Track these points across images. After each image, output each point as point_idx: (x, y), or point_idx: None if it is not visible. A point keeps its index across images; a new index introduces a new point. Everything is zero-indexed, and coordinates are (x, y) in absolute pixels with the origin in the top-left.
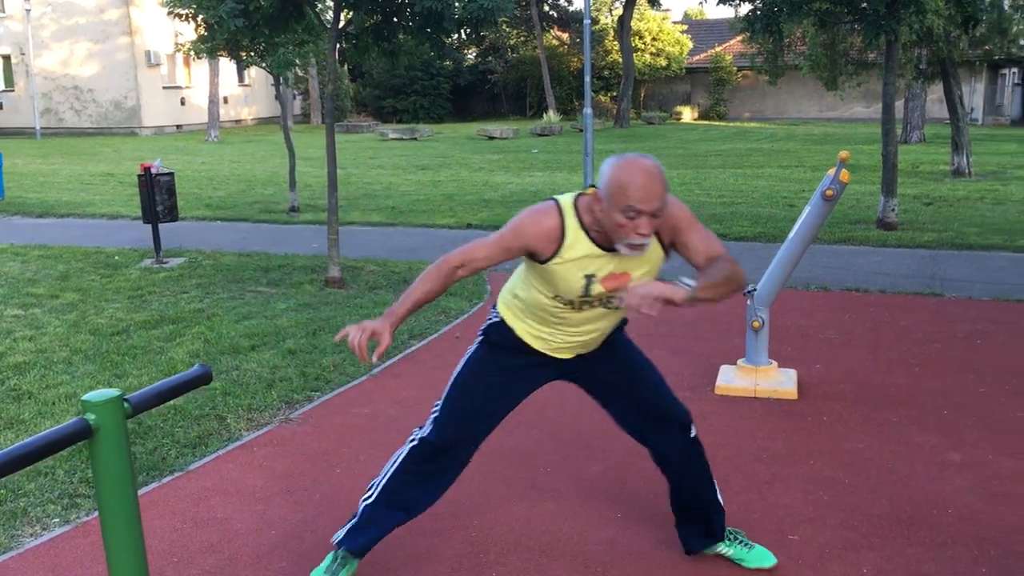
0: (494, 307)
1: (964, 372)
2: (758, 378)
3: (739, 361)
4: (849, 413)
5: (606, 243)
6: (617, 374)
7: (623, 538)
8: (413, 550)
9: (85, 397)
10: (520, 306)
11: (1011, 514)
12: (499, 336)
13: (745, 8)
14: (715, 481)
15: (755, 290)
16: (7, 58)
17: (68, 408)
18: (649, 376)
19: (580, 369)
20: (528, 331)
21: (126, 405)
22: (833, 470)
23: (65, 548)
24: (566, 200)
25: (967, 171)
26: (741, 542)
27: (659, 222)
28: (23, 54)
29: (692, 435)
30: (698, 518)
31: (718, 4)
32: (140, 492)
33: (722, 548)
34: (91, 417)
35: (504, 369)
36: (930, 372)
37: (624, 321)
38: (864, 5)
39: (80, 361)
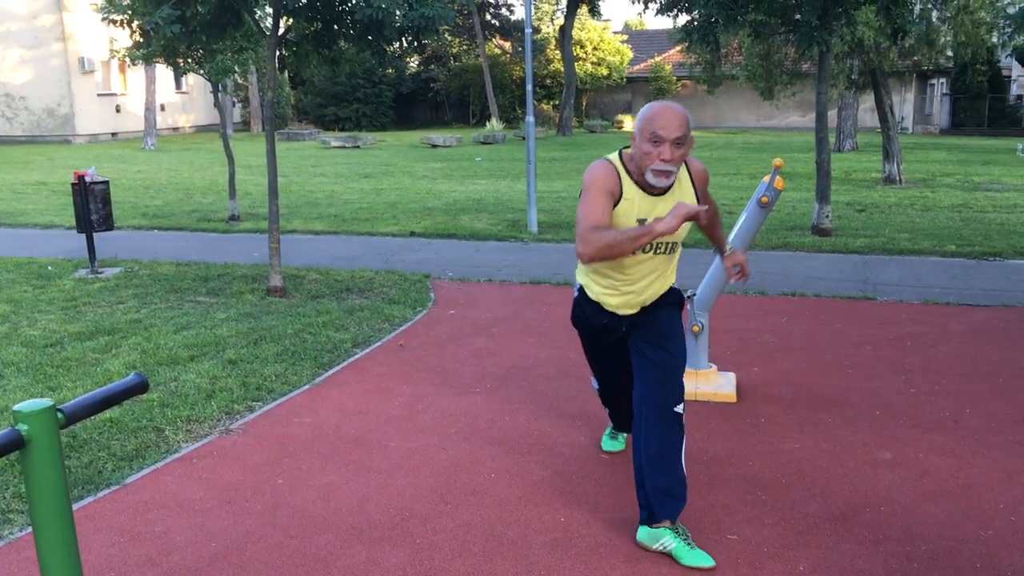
0: (577, 282)
1: (895, 373)
2: (698, 381)
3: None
4: (785, 414)
5: (648, 188)
6: (647, 339)
7: (567, 541)
8: (355, 560)
9: (16, 407)
10: (593, 268)
11: (941, 510)
12: (580, 309)
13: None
14: (682, 459)
15: (694, 295)
16: None
17: (0, 422)
18: (663, 351)
19: (637, 321)
20: (601, 289)
21: (59, 415)
22: (770, 470)
23: None
24: (613, 155)
25: (898, 178)
26: (685, 539)
27: (683, 153)
28: None
29: (675, 410)
30: (660, 485)
31: (657, 15)
32: (76, 506)
33: (667, 537)
34: (23, 428)
35: (594, 334)
36: (862, 374)
37: (674, 300)
38: (797, 17)
39: (12, 374)
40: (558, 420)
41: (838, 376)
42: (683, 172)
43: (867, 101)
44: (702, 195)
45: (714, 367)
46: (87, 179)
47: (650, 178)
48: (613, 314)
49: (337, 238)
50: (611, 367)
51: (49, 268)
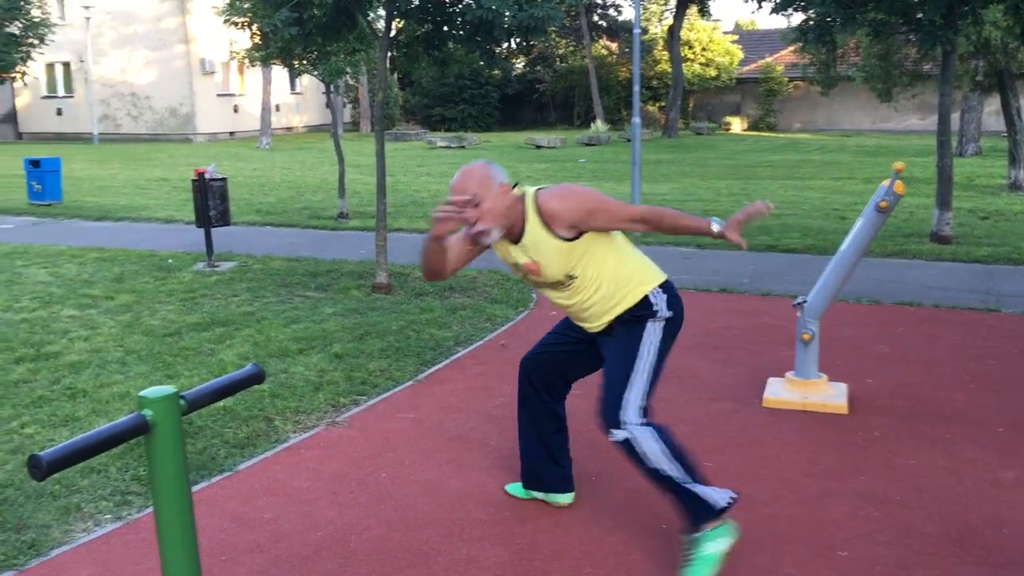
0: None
1: (1020, 389)
2: (808, 391)
3: (788, 374)
4: (901, 429)
5: (511, 236)
6: (604, 357)
7: (669, 549)
8: (456, 556)
9: (142, 393)
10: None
11: None
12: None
13: (798, 18)
14: (670, 477)
15: (805, 302)
16: (67, 65)
17: (121, 407)
18: (607, 372)
19: (600, 341)
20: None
21: (182, 402)
22: (884, 486)
23: (116, 544)
24: None
25: None
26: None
27: (486, 209)
28: (82, 61)
29: (613, 440)
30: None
31: (771, 14)
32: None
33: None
34: (148, 413)
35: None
36: (985, 388)
37: (640, 314)
38: (920, 15)
39: (133, 361)
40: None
41: (958, 390)
42: (532, 218)
43: (992, 104)
44: (574, 231)
45: (824, 377)
46: (207, 176)
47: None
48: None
49: None
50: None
51: (169, 261)
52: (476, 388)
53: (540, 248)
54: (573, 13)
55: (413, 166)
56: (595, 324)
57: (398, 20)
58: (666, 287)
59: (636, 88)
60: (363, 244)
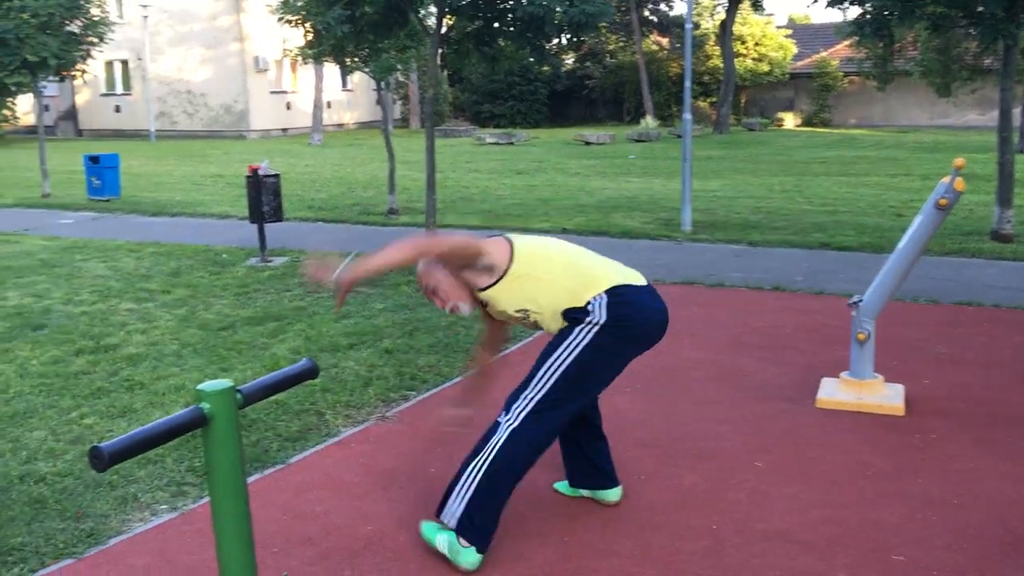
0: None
1: None
2: (863, 392)
3: (842, 374)
4: (959, 431)
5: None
6: None
7: (719, 550)
8: (504, 553)
9: (200, 387)
10: None
11: None
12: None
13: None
14: (472, 479)
15: (861, 301)
16: (125, 63)
17: (177, 399)
18: (533, 367)
19: None
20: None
21: (238, 396)
22: (942, 489)
23: (172, 534)
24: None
25: None
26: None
27: (438, 293)
28: (140, 59)
29: (499, 421)
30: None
31: (826, 7)
32: None
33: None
34: (206, 406)
35: None
36: None
37: (573, 317)
38: (981, 8)
39: (189, 354)
40: (711, 425)
41: (1018, 392)
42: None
43: None
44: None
45: (880, 377)
46: (260, 172)
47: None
48: None
49: (490, 233)
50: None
51: (224, 256)
52: None
53: (486, 298)
54: (623, 8)
55: (462, 162)
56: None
57: (449, 17)
58: (615, 292)
59: (688, 84)
60: None
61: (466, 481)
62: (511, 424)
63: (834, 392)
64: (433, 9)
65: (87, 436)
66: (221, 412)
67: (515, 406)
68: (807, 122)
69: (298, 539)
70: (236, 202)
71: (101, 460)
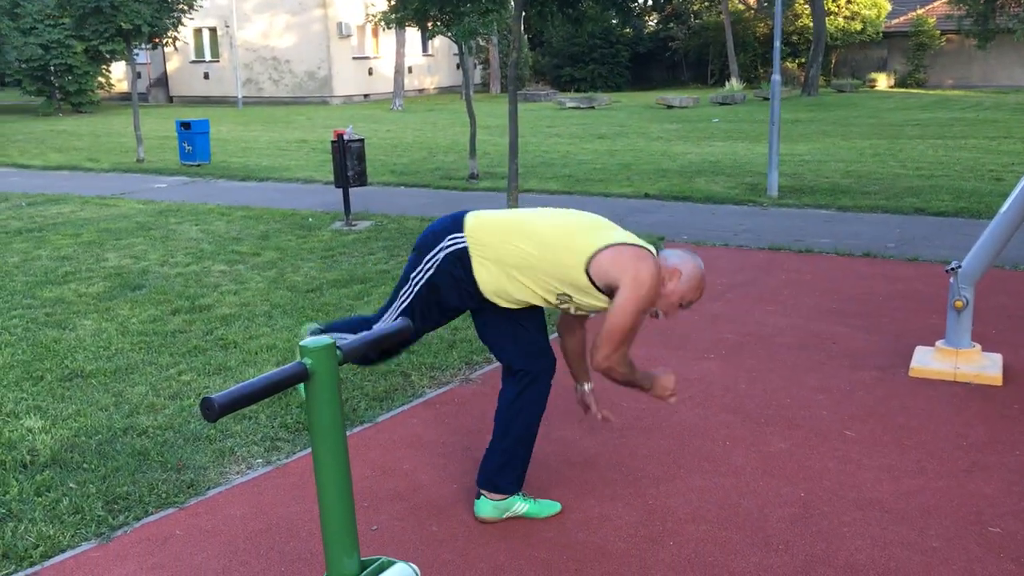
0: (462, 240)
1: None
2: (959, 361)
3: (938, 343)
4: None
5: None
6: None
7: (807, 516)
8: (589, 514)
9: (302, 343)
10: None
11: None
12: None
13: None
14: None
15: (960, 267)
16: (213, 31)
17: (269, 358)
18: (516, 327)
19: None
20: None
21: (338, 352)
22: None
23: (267, 487)
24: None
25: None
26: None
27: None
28: (227, 27)
29: (521, 380)
30: (486, 457)
31: None
32: None
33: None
34: (308, 362)
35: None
36: None
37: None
38: None
39: (279, 315)
40: (798, 391)
41: None
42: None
43: None
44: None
45: (978, 347)
46: (345, 137)
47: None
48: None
49: (571, 198)
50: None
51: (310, 220)
52: None
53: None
54: None
55: (543, 127)
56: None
57: None
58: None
59: (777, 44)
60: (494, 204)
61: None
62: (537, 376)
63: (929, 361)
64: None
65: (185, 392)
66: (322, 367)
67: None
68: (901, 83)
69: (387, 495)
70: (320, 167)
71: (212, 410)
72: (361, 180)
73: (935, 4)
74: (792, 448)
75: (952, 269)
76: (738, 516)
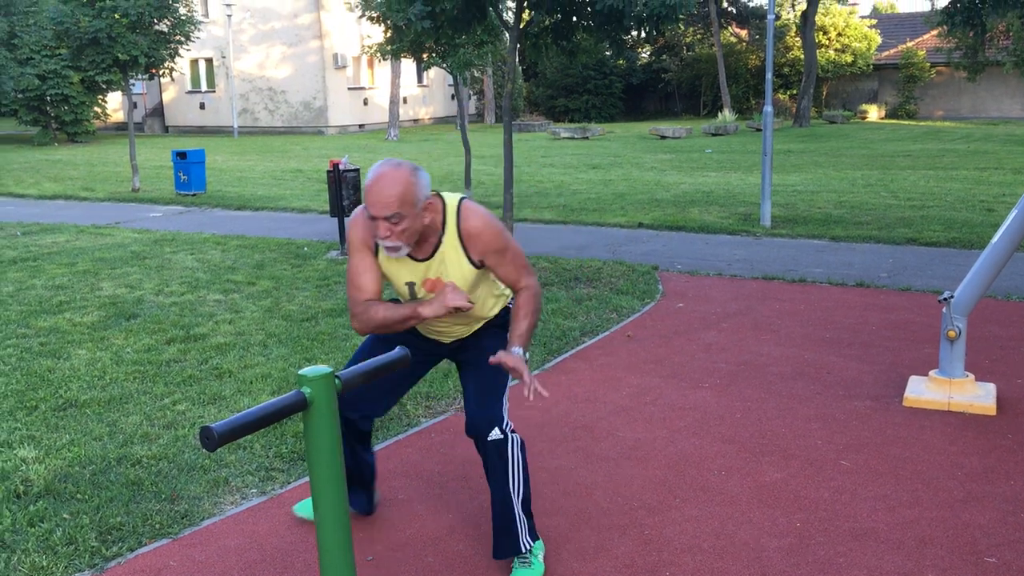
0: None
1: None
2: (952, 391)
3: (931, 372)
4: None
5: (417, 253)
6: (469, 364)
7: (803, 547)
8: (585, 544)
9: (301, 372)
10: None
11: None
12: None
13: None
14: (520, 495)
15: (952, 297)
16: (209, 61)
17: (264, 387)
18: (481, 377)
19: (458, 351)
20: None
21: (337, 381)
22: None
23: (262, 517)
24: None
25: None
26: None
27: (404, 228)
28: (224, 57)
29: (490, 439)
30: (498, 524)
31: None
32: None
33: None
34: (307, 390)
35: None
36: None
37: (501, 318)
38: None
39: (274, 344)
40: (793, 421)
41: None
42: (451, 234)
43: None
44: (482, 260)
45: (971, 376)
46: (341, 167)
47: (384, 249)
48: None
49: (566, 228)
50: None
51: (305, 249)
52: (603, 379)
53: (448, 268)
54: (702, 0)
55: (537, 157)
56: (457, 336)
57: (528, 11)
58: None
59: (769, 75)
60: None
61: (514, 508)
62: (511, 439)
63: (923, 391)
64: (512, 4)
65: (180, 421)
66: (321, 396)
67: (503, 420)
68: (892, 114)
69: (382, 525)
70: (316, 197)
71: (212, 439)
72: None
73: (925, 37)
74: (787, 478)
75: (945, 299)
76: (734, 546)
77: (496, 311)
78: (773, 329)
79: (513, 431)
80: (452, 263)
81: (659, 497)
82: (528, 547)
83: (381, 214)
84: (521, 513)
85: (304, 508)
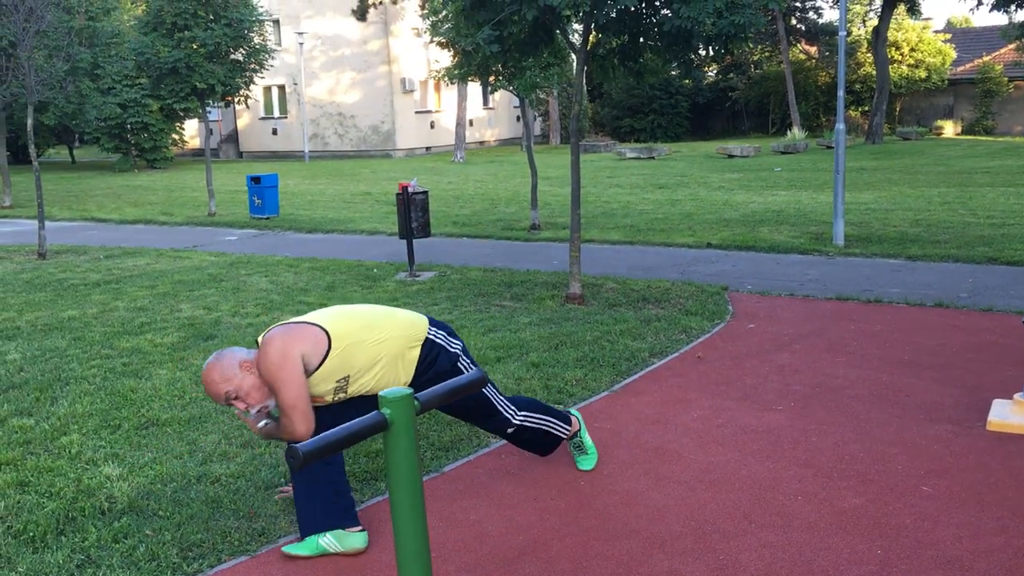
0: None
1: None
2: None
3: (1016, 395)
4: None
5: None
6: (447, 410)
7: (886, 575)
8: (658, 568)
9: (382, 393)
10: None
11: None
12: None
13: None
14: (552, 426)
15: None
16: (282, 88)
17: None
18: (466, 411)
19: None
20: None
21: (416, 402)
22: None
23: None
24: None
25: None
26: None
27: (243, 402)
28: (295, 84)
29: (509, 434)
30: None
31: (991, 11)
32: None
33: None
34: (387, 411)
35: None
36: None
37: (430, 366)
38: None
39: None
40: (872, 445)
41: None
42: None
43: None
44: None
45: None
46: (410, 190)
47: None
48: None
49: (633, 248)
50: None
51: (375, 270)
52: (673, 400)
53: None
54: (770, 18)
55: (603, 177)
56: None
57: (594, 33)
58: (434, 323)
59: (841, 92)
60: (556, 255)
61: (550, 429)
62: (519, 420)
63: (1007, 415)
64: (578, 26)
65: (256, 440)
66: (400, 417)
67: (510, 416)
68: (968, 130)
69: (454, 546)
70: (384, 219)
71: (297, 459)
72: (425, 231)
73: (1002, 51)
74: (867, 504)
75: None
76: (812, 573)
77: (409, 371)
78: (848, 351)
79: (517, 412)
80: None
81: (734, 522)
82: (566, 435)
83: (221, 400)
84: (551, 423)
85: (297, 548)
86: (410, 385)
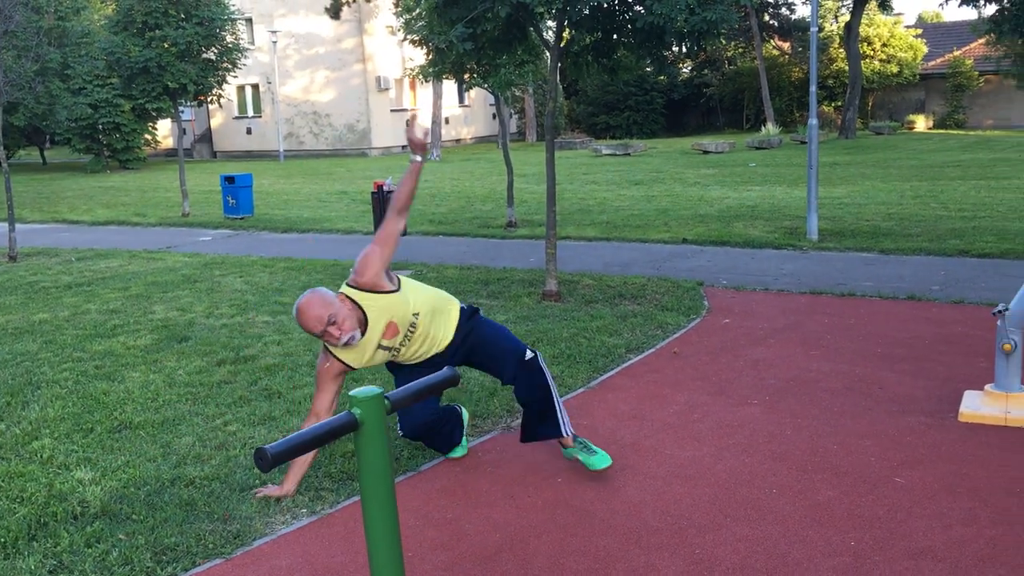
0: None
1: None
2: (1010, 405)
3: (987, 386)
4: None
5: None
6: (475, 347)
7: (858, 567)
8: (635, 563)
9: (352, 393)
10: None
11: None
12: None
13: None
14: (557, 405)
15: (1007, 310)
16: (255, 87)
17: (302, 410)
18: (489, 343)
19: (457, 355)
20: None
21: (386, 402)
22: None
23: (312, 537)
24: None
25: None
26: (585, 448)
27: (340, 324)
28: (269, 83)
29: (527, 358)
30: (535, 411)
31: (960, 5)
32: None
33: (573, 452)
34: (357, 411)
35: None
36: None
37: (469, 313)
38: None
39: None
40: (845, 438)
41: None
42: (360, 296)
43: None
44: (385, 280)
45: None
46: (385, 188)
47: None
48: None
49: (609, 244)
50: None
51: (350, 270)
52: (649, 396)
53: (383, 310)
54: (743, 14)
55: (579, 174)
56: (445, 343)
57: (568, 30)
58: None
59: (813, 88)
60: (532, 252)
61: (555, 404)
62: (539, 356)
63: (978, 406)
64: (552, 23)
65: (231, 442)
66: (371, 417)
67: (524, 345)
68: (940, 124)
69: (431, 544)
70: (360, 218)
71: (265, 460)
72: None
73: (972, 45)
74: (840, 496)
75: (999, 312)
76: (787, 566)
77: (451, 327)
78: (822, 344)
79: (535, 350)
80: (380, 306)
81: (709, 516)
82: (571, 434)
83: (318, 330)
84: (560, 406)
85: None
86: (451, 342)
